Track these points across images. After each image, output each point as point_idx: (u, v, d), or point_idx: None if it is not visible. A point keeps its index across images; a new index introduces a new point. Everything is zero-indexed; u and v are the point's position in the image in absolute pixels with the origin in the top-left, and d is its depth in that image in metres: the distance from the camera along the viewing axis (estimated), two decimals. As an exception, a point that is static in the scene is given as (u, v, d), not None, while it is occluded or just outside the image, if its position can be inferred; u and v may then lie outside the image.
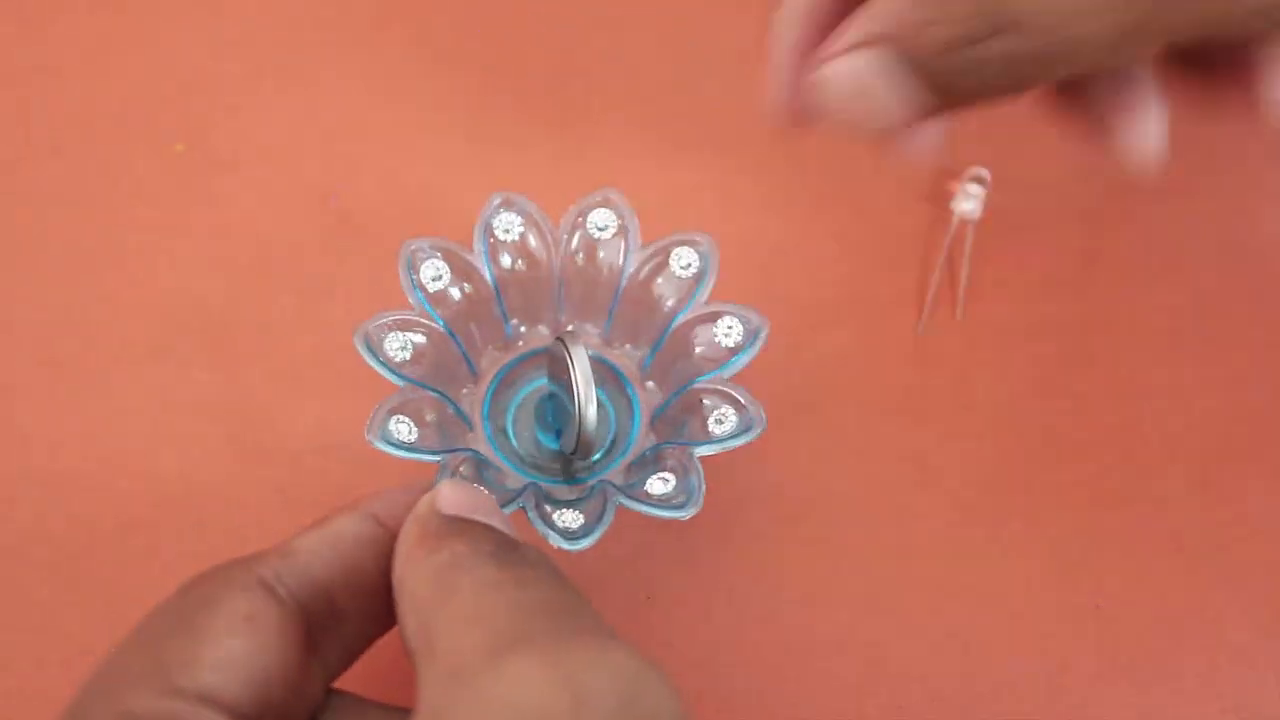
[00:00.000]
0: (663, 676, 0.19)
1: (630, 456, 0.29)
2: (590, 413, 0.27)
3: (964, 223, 0.34)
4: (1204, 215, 0.37)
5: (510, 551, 0.22)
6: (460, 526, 0.22)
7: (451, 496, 0.23)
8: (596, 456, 0.30)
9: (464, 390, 0.30)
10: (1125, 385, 0.34)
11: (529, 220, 0.30)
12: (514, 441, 0.30)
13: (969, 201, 0.33)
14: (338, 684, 0.24)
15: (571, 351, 0.27)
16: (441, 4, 0.40)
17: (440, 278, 0.29)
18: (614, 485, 0.28)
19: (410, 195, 0.36)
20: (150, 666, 0.21)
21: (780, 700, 0.30)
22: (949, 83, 0.22)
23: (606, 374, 0.31)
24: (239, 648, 0.21)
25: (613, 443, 0.30)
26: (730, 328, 0.29)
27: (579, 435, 0.28)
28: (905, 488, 0.32)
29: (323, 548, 0.24)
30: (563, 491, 0.29)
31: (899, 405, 0.33)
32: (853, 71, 0.22)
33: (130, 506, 0.31)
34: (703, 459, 0.27)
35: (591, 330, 0.31)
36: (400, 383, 0.28)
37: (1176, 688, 0.30)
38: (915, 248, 0.36)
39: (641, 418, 0.30)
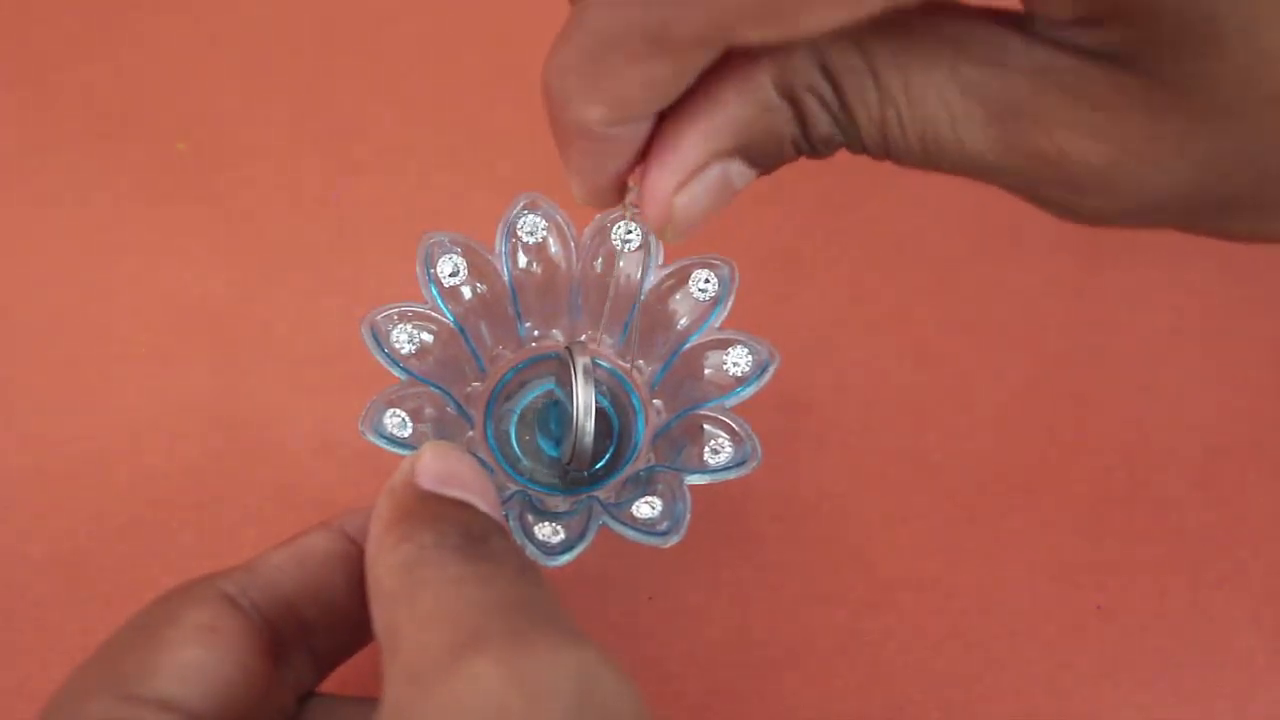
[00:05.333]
0: (621, 673, 0.19)
1: (628, 473, 0.29)
2: (588, 425, 0.27)
3: None
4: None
5: (477, 544, 0.21)
6: (433, 509, 0.22)
7: (431, 468, 0.23)
8: (598, 466, 0.30)
9: (469, 388, 0.30)
10: (1125, 385, 0.34)
11: (552, 224, 0.30)
12: (515, 445, 0.30)
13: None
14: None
15: (576, 361, 0.27)
16: (445, 5, 0.40)
17: (457, 273, 0.29)
18: (600, 503, 0.28)
19: (413, 194, 0.36)
20: (110, 676, 0.21)
21: (780, 700, 0.30)
22: (783, 163, 0.22)
23: (617, 387, 0.31)
24: (199, 657, 0.21)
25: (614, 456, 0.30)
26: (740, 358, 0.29)
27: (575, 446, 0.28)
28: (905, 488, 0.32)
29: (289, 563, 0.24)
30: (556, 501, 0.29)
31: (899, 405, 0.33)
32: (705, 191, 0.22)
33: (130, 506, 0.31)
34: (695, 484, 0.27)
35: (607, 341, 0.31)
36: (402, 376, 0.28)
37: (1177, 688, 0.30)
38: (917, 249, 0.36)
39: (645, 434, 0.30)
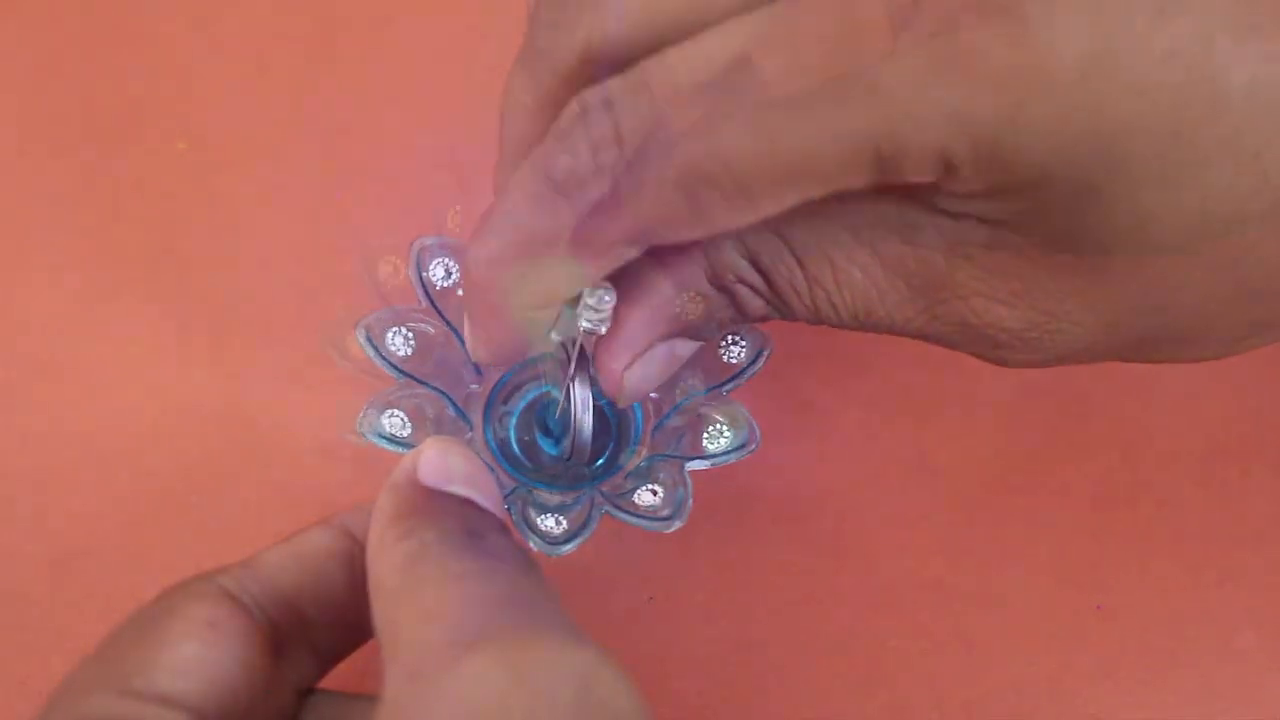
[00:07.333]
0: (621, 673, 0.19)
1: (629, 467, 0.29)
2: (586, 420, 0.27)
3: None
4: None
5: (479, 541, 0.22)
6: (435, 505, 0.22)
7: (433, 464, 0.23)
8: (599, 462, 0.30)
9: (467, 391, 0.30)
10: (1125, 385, 0.34)
11: None
12: (515, 445, 0.30)
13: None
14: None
15: (572, 356, 0.27)
16: (445, 6, 0.40)
17: (450, 275, 0.29)
18: (603, 494, 0.28)
19: (413, 195, 0.36)
20: (109, 673, 0.21)
21: (781, 700, 0.30)
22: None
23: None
24: (199, 652, 0.22)
25: (614, 451, 0.30)
26: (735, 344, 0.29)
27: (574, 442, 0.28)
28: (905, 488, 0.32)
29: (289, 560, 0.24)
30: (558, 498, 0.29)
31: (899, 405, 0.33)
32: (652, 367, 0.24)
33: (130, 506, 0.32)
34: (696, 471, 0.27)
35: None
36: (399, 378, 0.28)
37: (1177, 688, 0.30)
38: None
39: (644, 428, 0.30)
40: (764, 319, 0.23)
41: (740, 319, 0.23)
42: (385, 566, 0.21)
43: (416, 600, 0.20)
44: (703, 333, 0.24)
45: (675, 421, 0.29)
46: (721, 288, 0.23)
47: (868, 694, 0.30)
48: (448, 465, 0.23)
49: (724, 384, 0.29)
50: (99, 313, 0.34)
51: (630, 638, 0.30)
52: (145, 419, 0.33)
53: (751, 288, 0.22)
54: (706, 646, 0.30)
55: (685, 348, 0.24)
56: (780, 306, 0.23)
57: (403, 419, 0.27)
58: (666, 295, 0.23)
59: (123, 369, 0.33)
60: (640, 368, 0.24)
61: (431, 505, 0.22)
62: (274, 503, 0.32)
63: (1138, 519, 0.32)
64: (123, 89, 0.38)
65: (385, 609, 0.21)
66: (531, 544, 0.26)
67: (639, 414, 0.30)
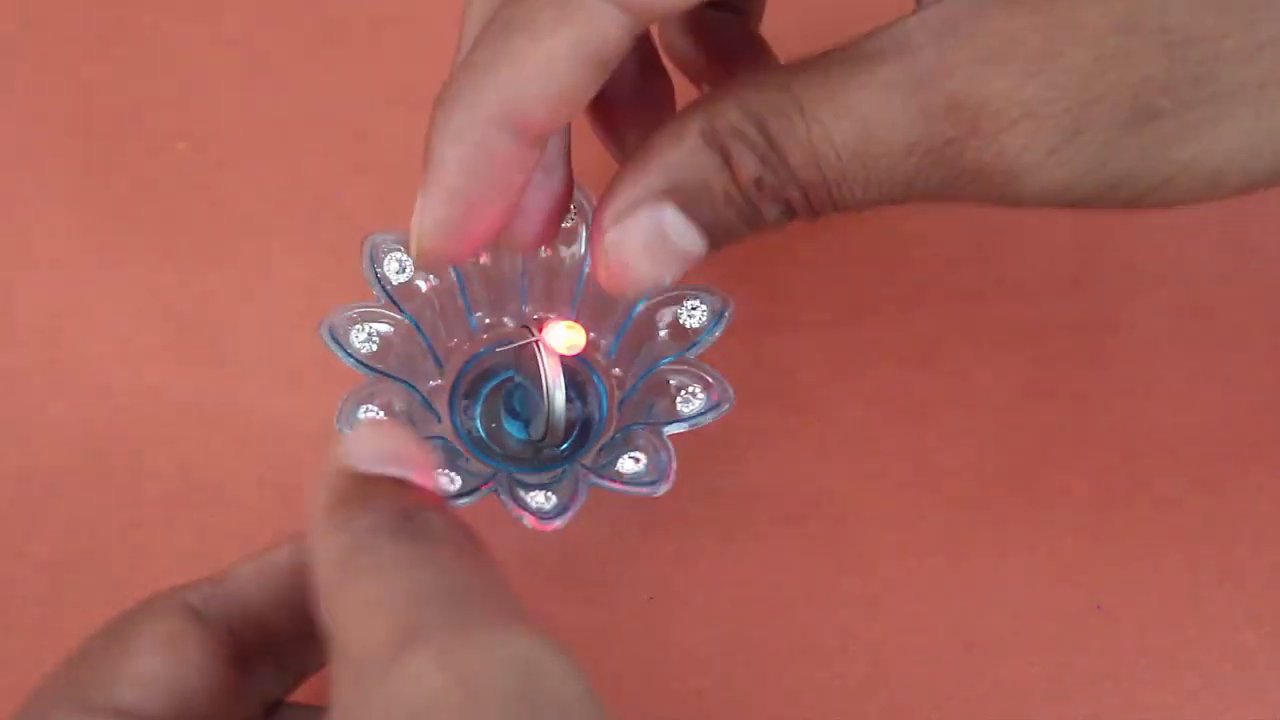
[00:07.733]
0: (562, 655, 0.18)
1: (600, 442, 0.30)
2: (558, 399, 0.28)
3: None
4: (1204, 214, 0.37)
5: (412, 523, 0.21)
6: (368, 491, 0.21)
7: (364, 447, 0.22)
8: (565, 445, 0.30)
9: (431, 383, 0.30)
10: (1125, 385, 0.34)
11: None
12: (482, 432, 0.31)
13: None
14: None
15: (538, 338, 0.28)
16: (446, 6, 0.40)
17: (404, 270, 0.30)
18: (585, 466, 0.28)
19: (414, 195, 0.36)
20: (71, 688, 0.22)
21: (781, 701, 0.30)
22: (728, 228, 0.23)
23: (573, 362, 0.31)
24: (158, 666, 0.22)
25: (582, 429, 0.30)
26: (695, 308, 0.29)
27: (548, 422, 0.28)
28: (905, 488, 0.32)
29: (255, 575, 0.24)
30: (533, 479, 0.29)
31: (899, 405, 0.33)
32: (637, 230, 0.23)
33: (130, 506, 0.32)
34: (690, 449, 0.27)
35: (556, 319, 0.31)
36: (368, 374, 0.28)
37: (1178, 688, 0.30)
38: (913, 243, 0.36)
39: (609, 403, 0.30)
40: (760, 189, 0.22)
41: (735, 190, 0.23)
42: (322, 560, 0.21)
43: (354, 594, 0.20)
44: (695, 202, 0.23)
45: (642, 393, 0.29)
46: (717, 145, 0.22)
47: (867, 694, 0.30)
48: (378, 447, 0.22)
49: (689, 348, 0.29)
50: (99, 313, 0.34)
51: (630, 638, 0.30)
52: (145, 419, 0.33)
53: (746, 141, 0.22)
54: (706, 646, 0.30)
55: (678, 226, 0.23)
56: (776, 162, 0.22)
57: (379, 414, 0.28)
58: (657, 149, 0.23)
59: (123, 369, 0.33)
60: (622, 228, 0.23)
61: (364, 491, 0.21)
62: (274, 503, 0.32)
63: (1136, 519, 0.32)
64: (123, 89, 0.38)
65: (326, 604, 0.20)
66: (525, 524, 0.26)
67: (602, 389, 0.31)
